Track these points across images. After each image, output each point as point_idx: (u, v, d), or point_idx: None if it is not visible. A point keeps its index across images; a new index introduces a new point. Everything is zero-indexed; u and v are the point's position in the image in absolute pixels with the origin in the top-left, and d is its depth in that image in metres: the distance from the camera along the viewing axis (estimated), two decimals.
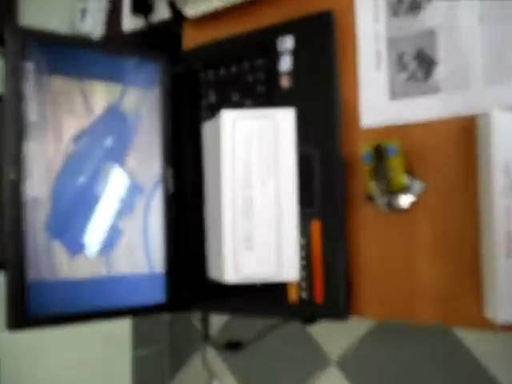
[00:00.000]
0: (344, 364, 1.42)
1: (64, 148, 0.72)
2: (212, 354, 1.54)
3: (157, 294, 0.77)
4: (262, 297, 0.72)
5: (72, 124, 0.72)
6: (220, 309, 0.77)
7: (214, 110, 0.77)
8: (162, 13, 1.11)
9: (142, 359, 1.45)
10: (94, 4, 1.15)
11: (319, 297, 0.68)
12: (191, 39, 0.84)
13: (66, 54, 0.74)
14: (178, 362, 1.63)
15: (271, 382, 1.52)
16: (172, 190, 0.79)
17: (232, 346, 0.82)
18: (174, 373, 1.63)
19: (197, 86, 0.79)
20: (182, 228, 0.79)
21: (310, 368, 1.47)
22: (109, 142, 0.75)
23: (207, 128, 0.76)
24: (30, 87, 0.70)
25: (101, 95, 0.74)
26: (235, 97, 0.75)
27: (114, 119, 0.75)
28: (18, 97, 0.69)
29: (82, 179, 0.73)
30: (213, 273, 0.74)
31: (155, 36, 1.11)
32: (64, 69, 0.73)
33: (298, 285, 0.69)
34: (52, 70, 0.72)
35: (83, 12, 1.15)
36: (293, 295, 0.70)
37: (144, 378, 1.48)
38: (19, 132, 0.68)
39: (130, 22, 1.12)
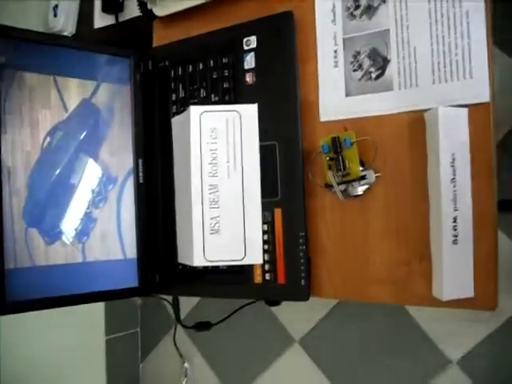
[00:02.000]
0: (306, 343, 1.46)
1: (40, 141, 0.72)
2: (182, 337, 1.56)
3: (130, 279, 0.78)
4: (229, 279, 0.74)
5: (47, 118, 0.73)
6: (189, 292, 0.79)
7: (183, 105, 0.78)
8: (131, 11, 1.12)
9: (115, 341, 1.46)
10: (67, 1, 1.15)
11: (282, 278, 0.71)
12: (161, 37, 0.85)
13: (39, 51, 0.74)
14: (149, 344, 1.65)
15: (239, 361, 1.55)
16: (143, 181, 0.80)
17: (201, 326, 0.84)
18: (146, 354, 1.65)
19: (166, 81, 0.80)
20: (154, 216, 0.80)
21: (275, 347, 1.50)
22: (83, 135, 0.76)
23: (176, 122, 0.77)
24: (4, 82, 0.70)
25: (74, 91, 0.75)
26: (203, 92, 0.77)
27: (88, 113, 0.76)
28: None
29: (57, 170, 0.74)
30: (182, 258, 0.76)
31: (125, 32, 1.12)
32: (38, 65, 0.74)
33: (262, 267, 0.71)
34: (26, 66, 0.73)
35: (55, 9, 1.14)
36: (257, 277, 0.72)
37: (117, 360, 1.49)
38: None
39: (101, 20, 1.12)
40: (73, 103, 0.75)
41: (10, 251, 0.70)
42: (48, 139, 0.74)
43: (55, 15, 1.15)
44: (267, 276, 0.72)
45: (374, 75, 0.68)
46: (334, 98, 0.71)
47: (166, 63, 0.81)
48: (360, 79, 0.69)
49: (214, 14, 0.79)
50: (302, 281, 0.70)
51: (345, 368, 1.42)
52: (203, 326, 0.83)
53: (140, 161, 0.80)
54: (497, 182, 0.62)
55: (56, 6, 1.15)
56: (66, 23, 1.16)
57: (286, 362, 1.49)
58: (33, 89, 0.73)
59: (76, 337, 1.35)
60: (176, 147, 0.78)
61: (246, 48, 0.74)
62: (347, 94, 0.70)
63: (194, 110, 0.72)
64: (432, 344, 1.33)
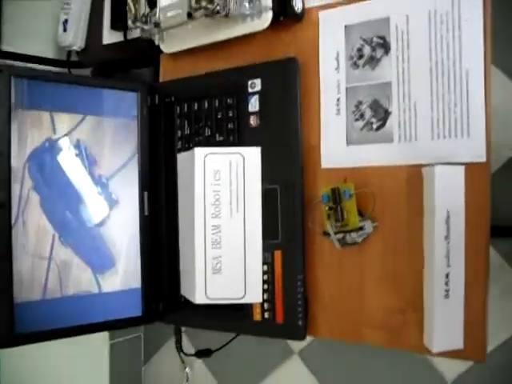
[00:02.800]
0: (305, 355, 1.50)
1: (50, 173, 0.75)
2: (184, 343, 1.60)
3: (134, 308, 0.81)
4: (230, 314, 0.77)
5: (53, 152, 0.76)
6: (191, 323, 0.82)
7: (188, 142, 0.81)
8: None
9: (118, 346, 1.50)
10: (76, 16, 1.16)
11: (280, 318, 0.74)
12: (168, 70, 0.87)
13: (49, 89, 0.76)
14: (152, 348, 1.69)
15: (239, 369, 1.59)
16: (148, 213, 0.82)
17: (202, 353, 0.87)
18: (148, 358, 1.70)
19: (172, 117, 0.82)
20: (158, 247, 0.83)
21: (275, 358, 1.54)
22: (89, 167, 0.79)
23: (182, 158, 0.80)
24: (16, 121, 0.73)
25: (81, 125, 0.78)
26: (208, 131, 0.79)
27: (94, 147, 0.79)
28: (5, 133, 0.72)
29: (66, 201, 0.77)
30: (185, 291, 0.79)
31: (133, 50, 1.13)
32: (46, 103, 0.76)
33: (262, 306, 0.74)
34: (33, 104, 0.75)
35: (65, 24, 1.16)
36: (257, 315, 0.75)
37: (120, 363, 1.54)
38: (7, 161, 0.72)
39: (109, 36, 1.13)
40: (77, 137, 0.78)
41: (20, 284, 0.73)
42: (57, 171, 0.76)
43: (65, 30, 1.17)
44: (266, 314, 0.75)
45: (375, 126, 0.70)
46: (336, 146, 0.73)
47: (172, 99, 0.83)
48: (361, 129, 0.71)
49: (221, 52, 0.81)
50: (300, 321, 0.73)
51: (344, 381, 1.46)
52: (204, 353, 0.87)
53: (145, 193, 0.83)
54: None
55: (66, 21, 1.17)
56: (75, 38, 1.18)
57: (285, 373, 1.53)
58: (39, 125, 0.75)
59: (80, 341, 1.39)
60: (181, 183, 0.81)
61: (250, 91, 0.76)
62: (348, 143, 0.72)
63: (199, 152, 0.74)
64: (429, 364, 1.37)
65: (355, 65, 0.72)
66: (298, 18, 0.74)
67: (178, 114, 0.82)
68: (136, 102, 0.83)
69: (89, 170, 0.79)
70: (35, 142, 0.76)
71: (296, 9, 0.74)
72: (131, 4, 0.76)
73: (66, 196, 0.77)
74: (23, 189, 0.74)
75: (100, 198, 0.79)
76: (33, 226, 0.74)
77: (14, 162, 0.73)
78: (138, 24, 0.76)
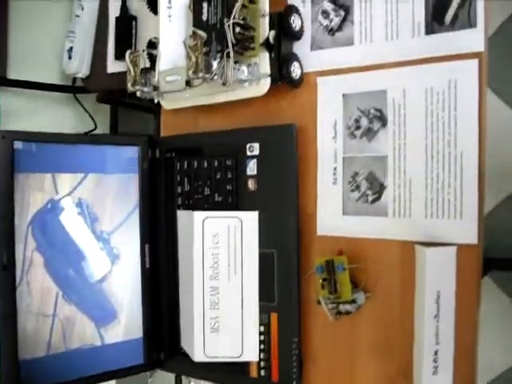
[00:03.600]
0: None
1: (53, 230, 0.78)
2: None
3: (136, 357, 0.85)
4: (228, 369, 0.80)
5: (57, 208, 0.78)
6: (191, 373, 0.85)
7: (188, 199, 0.82)
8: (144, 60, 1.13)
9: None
10: (81, 44, 1.17)
11: (275, 377, 0.77)
12: (169, 124, 0.88)
13: (50, 151, 0.78)
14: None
15: None
16: (149, 265, 0.85)
17: None
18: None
19: (172, 172, 0.84)
20: (159, 299, 0.85)
21: None
22: (91, 222, 0.81)
23: (182, 216, 0.82)
24: (20, 183, 0.75)
25: (84, 183, 0.80)
26: (207, 190, 0.80)
27: (96, 201, 0.81)
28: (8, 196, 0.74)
29: (69, 255, 0.79)
30: (184, 345, 0.82)
31: None
32: (46, 165, 0.77)
33: (258, 364, 0.77)
34: (34, 167, 0.76)
35: (70, 51, 1.16)
36: (253, 372, 0.78)
37: None
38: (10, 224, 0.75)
39: (114, 66, 1.14)
40: (79, 196, 0.81)
41: (25, 342, 0.76)
42: (59, 230, 0.79)
43: (70, 57, 1.18)
44: (262, 372, 0.77)
45: (370, 198, 0.72)
46: (332, 215, 0.74)
47: (173, 155, 0.84)
48: (357, 200, 0.72)
49: (220, 111, 0.82)
50: (294, 382, 0.75)
51: None
52: None
53: (147, 246, 0.85)
54: None
55: (71, 49, 1.17)
56: (80, 66, 1.19)
57: None
58: (42, 187, 0.77)
59: None
60: (181, 238, 0.82)
61: (249, 154, 0.77)
62: (344, 213, 0.73)
63: (198, 216, 0.76)
64: None
65: (352, 135, 0.72)
66: (296, 84, 0.74)
67: (177, 170, 0.83)
68: (137, 156, 0.84)
69: (91, 228, 0.81)
70: (38, 204, 0.77)
71: (294, 75, 0.74)
72: (130, 67, 0.76)
73: (69, 254, 0.79)
74: (27, 250, 0.76)
75: (102, 253, 0.82)
76: (37, 285, 0.77)
77: (17, 225, 0.75)
78: (138, 87, 0.76)
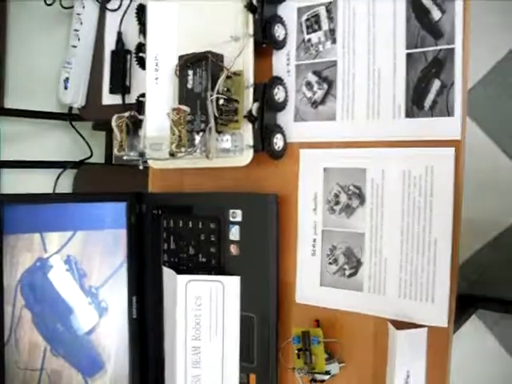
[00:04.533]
0: None
1: (45, 283, 0.80)
2: None
3: None
4: None
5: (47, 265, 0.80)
6: None
7: (173, 256, 0.85)
8: (138, 92, 1.14)
9: None
10: (77, 75, 1.18)
11: None
12: (156, 181, 0.90)
13: (39, 211, 0.80)
14: None
15: None
16: (136, 316, 0.87)
17: None
18: None
19: (159, 229, 0.86)
20: (145, 348, 0.88)
21: None
22: (80, 276, 0.83)
23: (167, 273, 0.84)
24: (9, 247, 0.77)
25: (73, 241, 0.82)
26: (191, 250, 0.82)
27: (84, 257, 0.83)
28: None
29: (57, 309, 0.82)
30: None
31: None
32: (35, 225, 0.80)
33: None
34: (21, 227, 0.79)
35: (66, 82, 1.17)
36: None
37: None
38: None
39: (108, 98, 1.15)
40: (67, 253, 0.83)
41: None
42: (48, 287, 0.81)
43: (66, 88, 1.19)
44: None
45: (347, 273, 0.73)
46: (310, 285, 0.76)
47: (159, 212, 0.86)
48: (334, 273, 0.74)
49: (205, 173, 0.84)
50: None
51: None
52: None
53: (134, 298, 0.88)
54: None
55: (67, 79, 1.18)
56: (76, 96, 1.20)
57: None
58: (30, 247, 0.79)
59: None
60: (166, 294, 0.85)
61: (231, 220, 0.79)
62: (322, 284, 0.75)
63: (181, 279, 0.79)
64: None
65: (332, 209, 0.74)
66: (278, 156, 0.75)
67: (164, 228, 0.85)
68: (124, 212, 0.86)
69: (79, 283, 0.83)
70: (26, 263, 0.80)
71: (276, 147, 0.75)
72: (117, 132, 0.78)
73: (58, 309, 0.82)
74: (15, 308, 0.79)
75: (90, 307, 0.84)
76: (25, 341, 0.80)
77: (6, 286, 0.78)
78: (123, 153, 0.78)
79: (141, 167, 0.78)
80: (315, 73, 0.75)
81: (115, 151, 0.78)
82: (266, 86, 0.75)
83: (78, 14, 1.17)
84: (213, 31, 0.78)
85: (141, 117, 0.79)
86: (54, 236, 0.81)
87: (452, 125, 0.66)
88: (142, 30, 0.85)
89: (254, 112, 0.74)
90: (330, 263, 0.74)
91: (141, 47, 0.85)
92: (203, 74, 0.75)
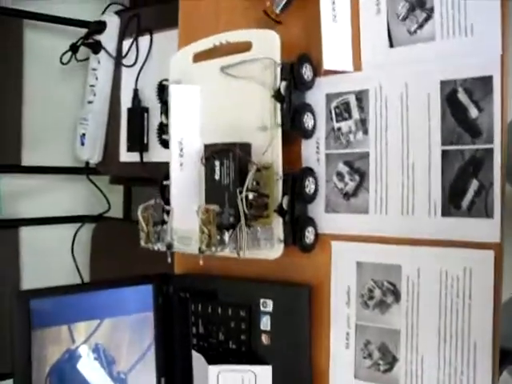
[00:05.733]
0: None
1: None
2: None
3: None
4: None
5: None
6: None
7: (203, 341, 0.83)
8: (157, 152, 1.13)
9: None
10: (94, 131, 1.16)
11: None
12: (181, 261, 0.88)
13: (66, 303, 0.78)
14: None
15: None
16: None
17: None
18: None
19: (186, 312, 0.84)
20: None
21: None
22: (108, 361, 0.82)
23: (197, 360, 0.82)
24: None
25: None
26: (221, 336, 0.81)
27: (113, 340, 0.82)
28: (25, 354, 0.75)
29: None
30: None
31: (151, 172, 1.13)
32: (62, 317, 0.78)
33: None
34: (50, 321, 0.77)
35: (83, 138, 1.15)
36: None
37: None
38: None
39: (126, 155, 1.14)
40: (95, 341, 0.82)
41: None
42: (77, 377, 0.80)
43: (82, 144, 1.17)
44: None
45: (382, 368, 0.72)
46: (344, 377, 0.75)
47: (187, 295, 0.84)
48: (369, 367, 0.73)
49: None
50: None
51: None
52: None
53: (163, 379, 0.87)
54: None
55: (83, 135, 1.16)
56: (92, 152, 1.18)
57: None
58: (58, 340, 0.78)
59: None
60: (196, 376, 0.84)
61: (262, 309, 0.78)
62: (356, 377, 0.75)
63: (213, 370, 0.77)
64: None
65: (365, 304, 0.72)
66: (309, 249, 0.74)
67: (192, 311, 0.84)
68: (151, 294, 0.84)
69: (108, 370, 0.82)
70: (55, 356, 0.79)
71: (308, 241, 0.73)
72: (143, 224, 0.76)
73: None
74: None
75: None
76: None
77: (34, 380, 0.76)
78: (150, 244, 0.76)
79: (169, 260, 0.76)
80: (346, 163, 0.73)
81: (142, 243, 0.76)
82: (296, 178, 0.72)
83: (94, 70, 1.15)
84: (239, 118, 0.76)
85: (167, 207, 0.77)
86: (82, 326, 0.80)
87: (491, 227, 0.64)
88: (164, 110, 0.82)
89: (285, 206, 0.72)
90: (365, 357, 0.72)
91: (163, 128, 0.82)
92: (231, 165, 0.73)
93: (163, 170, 0.88)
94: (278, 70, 0.72)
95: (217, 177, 0.74)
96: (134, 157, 1.13)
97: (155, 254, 0.80)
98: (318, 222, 0.75)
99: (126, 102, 1.15)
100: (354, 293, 0.73)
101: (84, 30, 1.24)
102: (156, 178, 1.08)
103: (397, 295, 0.70)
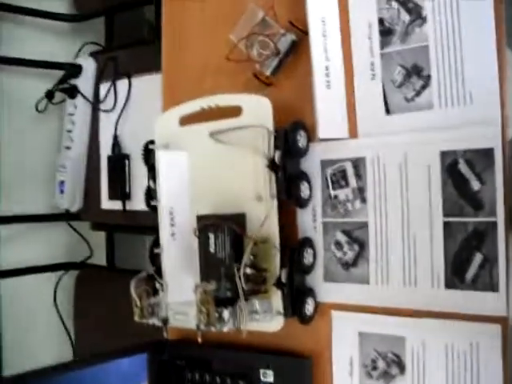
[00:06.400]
0: None
1: None
2: None
3: None
4: None
5: None
6: None
7: None
8: (139, 201, 1.08)
9: None
10: (73, 179, 1.12)
11: None
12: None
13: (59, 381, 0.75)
14: None
15: None
16: None
17: None
18: None
19: (183, 380, 0.81)
20: None
21: None
22: None
23: None
24: None
25: None
26: None
27: None
28: None
29: None
30: None
31: (133, 221, 1.10)
32: None
33: None
34: None
35: (62, 185, 1.11)
36: None
37: None
38: None
39: (108, 203, 1.10)
40: None
41: None
42: None
43: (62, 191, 1.13)
44: None
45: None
46: None
47: (183, 363, 0.81)
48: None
49: None
50: None
51: None
52: None
53: None
54: None
55: (62, 183, 1.12)
56: (72, 200, 1.14)
57: None
58: None
59: None
60: None
61: (262, 380, 0.75)
62: None
63: None
64: None
65: (369, 375, 0.71)
66: (309, 321, 0.72)
67: (188, 379, 0.81)
68: (145, 363, 0.81)
69: None
70: None
71: (308, 313, 0.71)
72: (136, 298, 0.73)
73: None
74: None
75: None
76: None
77: None
78: (145, 320, 0.73)
79: (165, 335, 0.73)
80: (345, 232, 0.71)
81: (136, 318, 0.73)
82: (294, 250, 0.70)
83: (70, 115, 1.10)
84: (231, 187, 0.73)
85: (160, 281, 0.74)
86: None
87: (497, 301, 0.63)
88: (151, 175, 0.78)
89: (283, 279, 0.70)
90: (368, 373, 0.71)
91: (150, 192, 0.79)
92: (226, 239, 0.70)
93: (146, 219, 0.84)
94: (272, 138, 0.69)
95: (211, 250, 0.71)
96: (116, 205, 1.09)
97: None
98: (317, 290, 0.73)
99: (105, 147, 1.11)
100: (356, 363, 0.71)
101: (59, 72, 1.19)
102: (140, 227, 1.05)
103: (401, 367, 0.68)
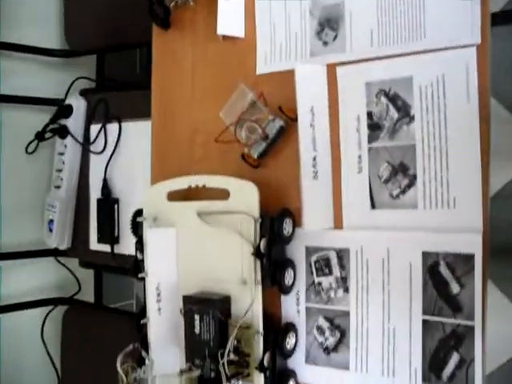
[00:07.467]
0: None
1: None
2: None
3: None
4: None
5: None
6: None
7: None
8: (128, 244, 1.10)
9: None
10: (62, 218, 1.12)
11: None
12: None
13: None
14: None
15: None
16: None
17: None
18: None
19: None
20: None
21: None
22: None
23: None
24: None
25: None
26: None
27: None
28: None
29: None
30: None
31: (122, 262, 1.11)
32: None
33: None
34: None
35: (50, 224, 1.11)
36: None
37: None
38: None
39: (96, 245, 1.10)
40: None
41: None
42: None
43: (50, 230, 1.13)
44: None
45: None
46: None
47: None
48: None
49: None
50: None
51: None
52: None
53: None
54: None
55: (51, 221, 1.12)
56: (61, 238, 1.15)
57: None
58: None
59: None
60: None
61: None
62: None
63: None
64: None
65: None
66: None
67: None
68: None
69: None
70: None
71: None
72: (123, 376, 0.74)
73: None
74: None
75: None
76: None
77: None
78: None
79: None
80: (327, 319, 0.72)
81: None
82: (277, 336, 0.71)
83: (60, 154, 1.09)
84: (217, 268, 0.74)
85: (147, 356, 0.75)
86: None
87: None
88: (139, 247, 0.79)
89: (266, 363, 0.72)
90: None
91: (138, 264, 0.80)
92: (211, 322, 0.72)
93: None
94: (258, 226, 0.70)
95: (197, 331, 0.73)
96: (104, 247, 1.10)
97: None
98: (298, 372, 0.74)
99: (95, 189, 1.11)
100: None
101: (50, 108, 1.18)
102: (127, 269, 1.05)
103: None
